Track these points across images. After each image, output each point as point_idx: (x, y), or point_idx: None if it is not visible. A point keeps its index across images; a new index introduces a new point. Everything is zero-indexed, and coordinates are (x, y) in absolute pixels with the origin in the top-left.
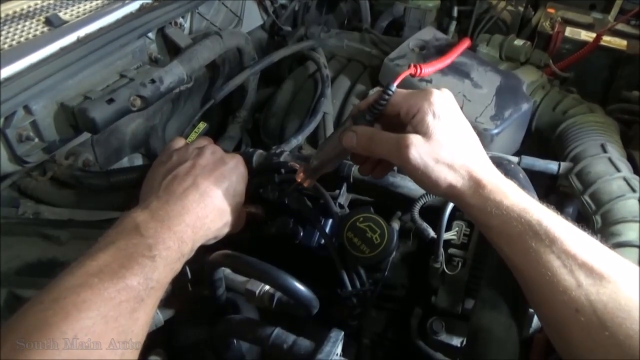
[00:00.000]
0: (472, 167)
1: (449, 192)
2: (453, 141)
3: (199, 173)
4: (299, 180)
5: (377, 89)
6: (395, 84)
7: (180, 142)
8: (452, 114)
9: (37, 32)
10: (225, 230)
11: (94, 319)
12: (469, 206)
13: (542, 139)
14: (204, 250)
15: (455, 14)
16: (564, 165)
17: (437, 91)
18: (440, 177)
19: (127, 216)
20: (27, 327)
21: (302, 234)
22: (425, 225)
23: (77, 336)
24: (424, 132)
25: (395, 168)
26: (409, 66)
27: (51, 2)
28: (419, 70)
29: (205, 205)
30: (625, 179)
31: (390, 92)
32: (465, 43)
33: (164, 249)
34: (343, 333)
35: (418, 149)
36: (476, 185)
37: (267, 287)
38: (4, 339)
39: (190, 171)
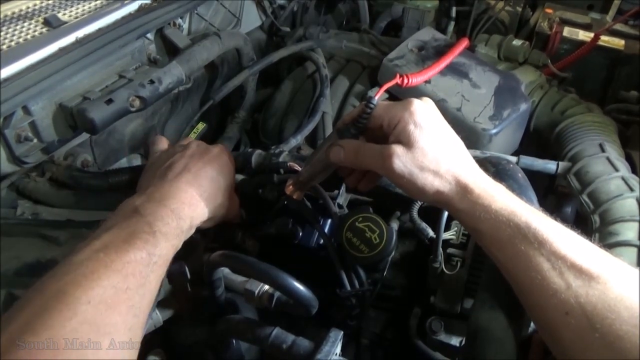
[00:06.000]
0: (458, 172)
1: (437, 199)
2: (436, 148)
3: (189, 160)
4: (288, 192)
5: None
6: (377, 97)
7: (163, 144)
8: (434, 122)
9: (36, 33)
10: (221, 211)
11: (105, 288)
12: (458, 211)
13: (540, 138)
14: (203, 250)
15: (453, 14)
16: (563, 164)
17: (418, 101)
18: (427, 184)
19: (125, 202)
20: (42, 297)
21: (301, 234)
22: (424, 225)
23: (90, 302)
24: (406, 142)
25: None
26: (395, 76)
27: (50, 2)
28: (405, 80)
29: (199, 185)
30: (623, 179)
31: (372, 106)
32: (463, 43)
33: (162, 225)
34: (342, 333)
35: (401, 158)
36: (463, 190)
37: (266, 287)
38: (18, 312)
39: (181, 160)
